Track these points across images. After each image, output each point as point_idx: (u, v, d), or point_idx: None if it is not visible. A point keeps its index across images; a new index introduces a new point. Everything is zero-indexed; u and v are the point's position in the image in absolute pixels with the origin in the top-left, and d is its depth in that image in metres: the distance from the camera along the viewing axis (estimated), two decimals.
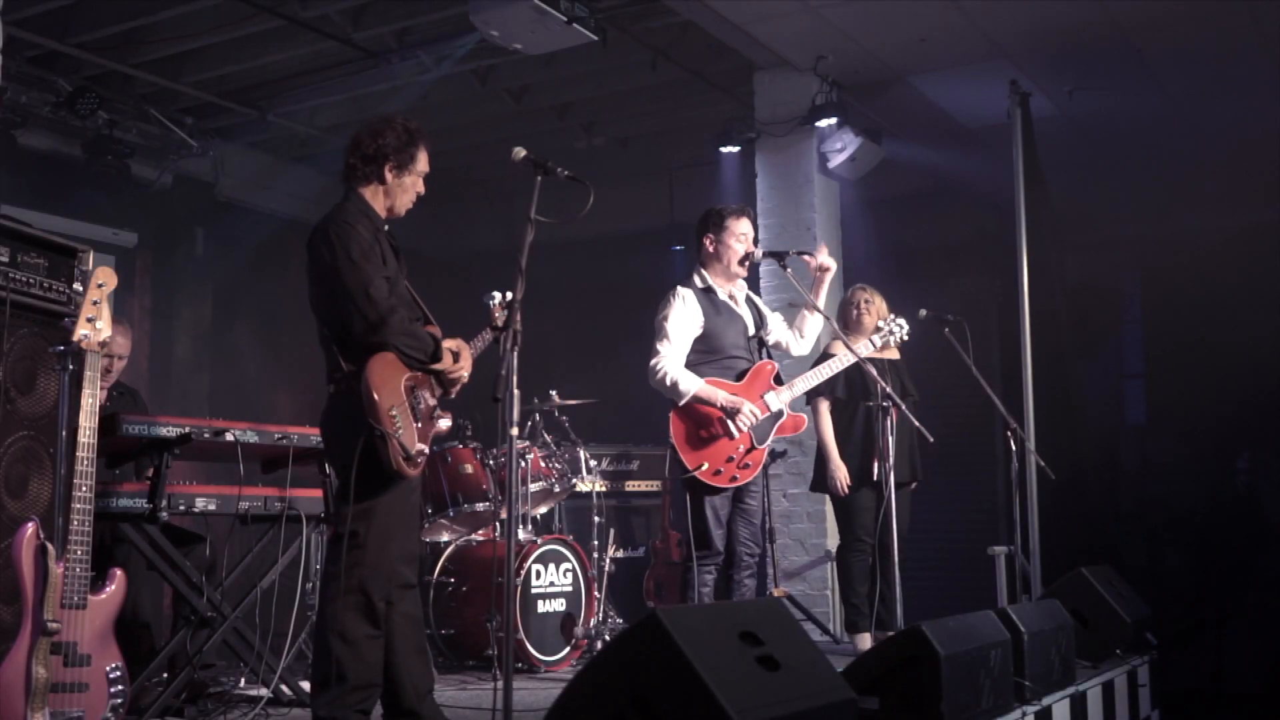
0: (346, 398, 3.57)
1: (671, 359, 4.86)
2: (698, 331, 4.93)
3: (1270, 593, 7.84)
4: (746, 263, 5.05)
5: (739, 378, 4.93)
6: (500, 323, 4.19)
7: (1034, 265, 6.64)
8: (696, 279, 5.06)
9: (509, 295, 4.16)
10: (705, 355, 4.94)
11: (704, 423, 4.83)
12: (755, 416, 4.82)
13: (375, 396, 3.49)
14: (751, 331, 5.06)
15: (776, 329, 5.21)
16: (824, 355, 6.17)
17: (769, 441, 4.91)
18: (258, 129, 8.72)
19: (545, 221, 3.47)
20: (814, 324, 5.20)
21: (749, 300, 5.19)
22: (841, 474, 5.94)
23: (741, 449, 4.82)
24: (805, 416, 5.10)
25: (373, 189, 3.78)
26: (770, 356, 5.10)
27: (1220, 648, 7.71)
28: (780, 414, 4.93)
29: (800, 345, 5.23)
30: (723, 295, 5.03)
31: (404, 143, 3.76)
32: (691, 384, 4.83)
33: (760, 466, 4.91)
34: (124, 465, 4.64)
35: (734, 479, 4.84)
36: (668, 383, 4.84)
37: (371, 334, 3.56)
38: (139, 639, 4.39)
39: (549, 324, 5.63)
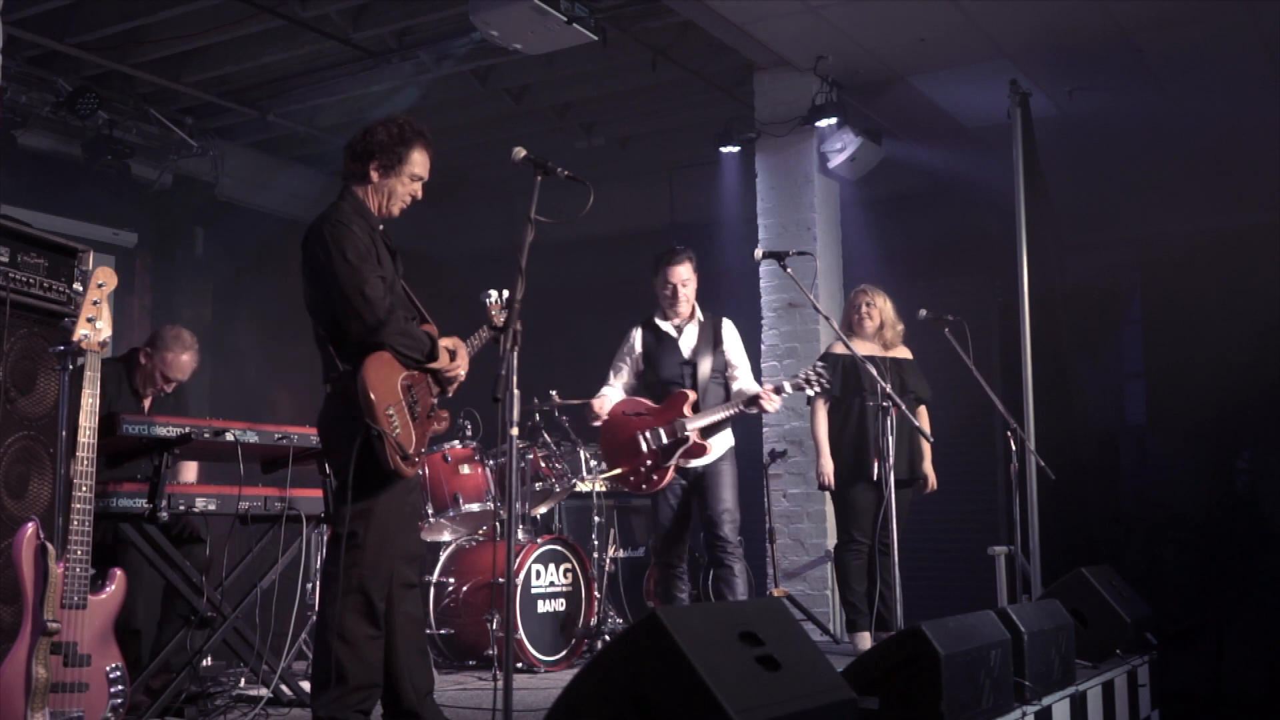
0: (342, 398, 3.56)
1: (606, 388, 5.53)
2: (639, 365, 5.52)
3: (1270, 593, 7.84)
4: (678, 303, 5.42)
5: (659, 400, 5.39)
6: (498, 321, 4.21)
7: (1034, 265, 6.64)
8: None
9: (505, 293, 4.20)
10: (648, 380, 5.48)
11: (619, 436, 5.39)
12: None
13: (371, 396, 3.49)
14: (686, 357, 5.42)
15: (737, 364, 5.52)
16: (825, 355, 6.20)
17: (672, 462, 5.29)
18: (258, 129, 8.72)
19: (545, 221, 3.47)
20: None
21: (705, 331, 5.47)
22: (827, 469, 5.98)
23: (649, 464, 5.32)
24: (709, 445, 5.34)
25: (365, 188, 3.76)
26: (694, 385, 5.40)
27: (1220, 648, 7.70)
28: (685, 440, 5.27)
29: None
30: (666, 327, 5.48)
31: (393, 141, 3.72)
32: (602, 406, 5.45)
33: (666, 481, 5.31)
34: (126, 464, 4.64)
35: (641, 488, 5.36)
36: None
37: (367, 334, 3.55)
38: (126, 646, 4.37)
39: (549, 324, 5.64)
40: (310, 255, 3.64)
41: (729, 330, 5.53)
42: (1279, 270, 7.79)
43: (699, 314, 5.51)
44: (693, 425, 5.26)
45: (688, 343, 5.44)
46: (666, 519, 5.39)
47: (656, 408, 5.36)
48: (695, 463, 5.32)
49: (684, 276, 5.41)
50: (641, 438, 5.33)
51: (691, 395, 5.32)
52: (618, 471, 5.42)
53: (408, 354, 3.64)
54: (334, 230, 3.61)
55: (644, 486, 5.35)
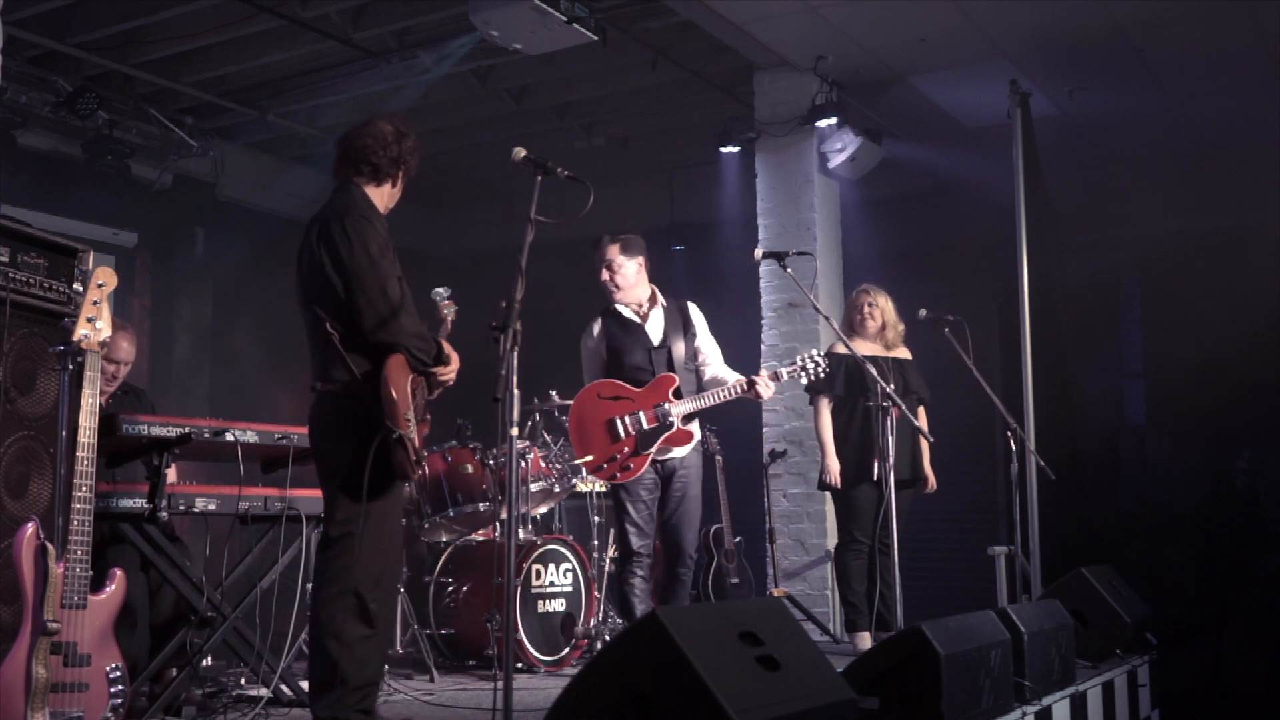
0: (353, 399, 3.57)
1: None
2: (603, 354, 5.26)
3: (1270, 593, 7.85)
4: (614, 293, 5.23)
5: (639, 386, 5.12)
6: (448, 320, 4.25)
7: (1034, 265, 6.64)
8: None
9: (449, 291, 4.27)
10: (611, 369, 5.22)
11: (593, 419, 5.08)
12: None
13: (394, 396, 3.50)
14: (655, 343, 5.21)
15: (707, 351, 5.33)
16: (827, 354, 6.20)
17: (653, 449, 5.05)
18: (258, 129, 8.72)
19: (545, 221, 3.47)
20: (711, 387, 5.24)
21: (672, 316, 5.30)
22: (833, 468, 5.96)
23: (625, 450, 5.04)
24: (694, 432, 5.16)
25: (381, 189, 3.80)
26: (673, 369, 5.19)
27: (1220, 648, 7.71)
28: (670, 426, 5.04)
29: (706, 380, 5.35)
30: (628, 313, 5.25)
31: (415, 151, 3.85)
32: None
33: (641, 471, 5.06)
34: (125, 465, 4.64)
35: (614, 477, 5.07)
36: None
37: (383, 333, 3.56)
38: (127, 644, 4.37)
39: (549, 324, 5.63)
40: (329, 246, 3.60)
41: (696, 315, 5.34)
42: (1279, 270, 7.79)
43: (660, 299, 5.33)
44: (679, 410, 5.03)
45: (655, 328, 5.23)
46: (642, 514, 5.09)
47: (637, 391, 5.08)
48: (676, 452, 5.11)
49: (608, 258, 5.21)
50: (620, 423, 5.03)
51: (675, 379, 5.09)
52: (589, 459, 5.04)
53: (418, 356, 3.65)
54: (356, 223, 3.61)
55: (617, 475, 5.04)
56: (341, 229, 3.59)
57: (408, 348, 3.59)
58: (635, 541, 5.09)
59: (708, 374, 5.26)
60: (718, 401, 5.12)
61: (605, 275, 5.22)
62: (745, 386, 5.06)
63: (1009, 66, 7.15)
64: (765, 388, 5.05)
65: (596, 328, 5.29)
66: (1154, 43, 7.09)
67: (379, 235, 3.62)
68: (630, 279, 5.22)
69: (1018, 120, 6.68)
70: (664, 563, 5.34)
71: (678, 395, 5.09)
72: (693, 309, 5.36)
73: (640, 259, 5.25)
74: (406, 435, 3.50)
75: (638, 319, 5.24)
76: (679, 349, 5.20)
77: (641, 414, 5.05)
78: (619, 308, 5.26)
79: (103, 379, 4.99)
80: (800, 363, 5.18)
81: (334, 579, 3.55)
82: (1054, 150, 7.27)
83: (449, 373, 3.80)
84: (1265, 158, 7.50)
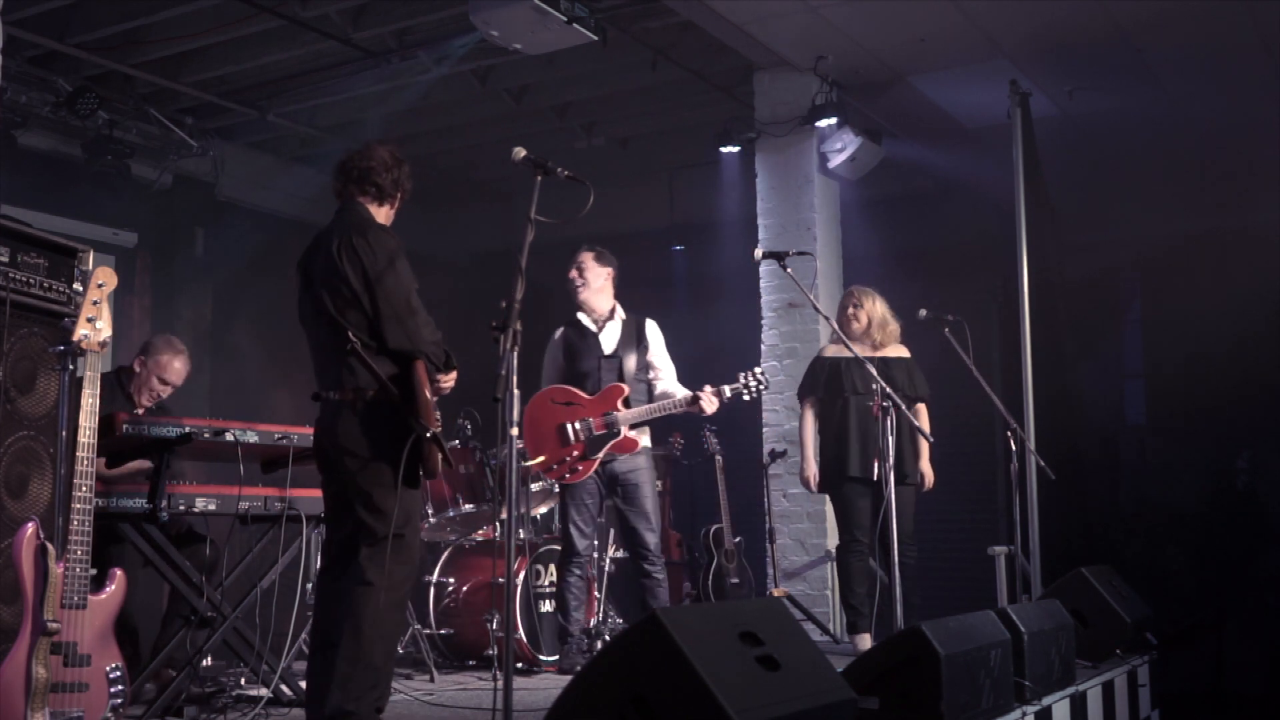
0: (379, 404, 3.62)
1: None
2: (560, 359, 5.56)
3: (1270, 593, 7.84)
4: (578, 291, 5.51)
5: (591, 393, 5.40)
6: None
7: (1034, 265, 6.64)
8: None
9: None
10: (565, 374, 5.51)
11: (545, 423, 5.37)
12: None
13: (428, 396, 3.59)
14: (607, 352, 5.46)
15: (660, 366, 5.57)
16: (818, 356, 6.21)
17: (600, 454, 5.32)
18: (258, 129, 8.72)
19: (545, 221, 3.48)
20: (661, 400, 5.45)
21: (627, 330, 5.54)
22: (810, 471, 6.03)
23: (574, 454, 5.34)
24: (638, 440, 5.37)
25: (381, 209, 3.90)
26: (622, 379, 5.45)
27: (1220, 648, 7.70)
28: (616, 433, 5.31)
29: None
30: (587, 322, 5.54)
31: (410, 177, 3.96)
32: None
33: (589, 474, 5.35)
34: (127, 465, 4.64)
35: (564, 478, 5.38)
36: None
37: (405, 341, 3.64)
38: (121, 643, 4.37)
39: (549, 324, 5.65)
40: (352, 258, 3.66)
41: (652, 331, 5.61)
42: (1279, 270, 7.78)
43: (620, 313, 5.60)
44: (625, 419, 5.30)
45: (609, 339, 5.51)
46: (584, 516, 5.42)
47: (588, 399, 5.37)
48: (621, 457, 5.35)
49: (579, 260, 5.52)
50: (570, 428, 5.33)
51: (625, 389, 5.35)
52: (540, 460, 5.35)
53: (434, 362, 3.73)
54: (379, 237, 3.72)
55: (567, 477, 5.35)
56: (366, 241, 3.69)
57: (426, 354, 3.68)
58: (578, 542, 5.42)
59: (659, 388, 5.52)
60: (664, 414, 5.38)
61: (574, 273, 5.52)
62: (690, 401, 5.30)
63: (1009, 66, 7.15)
64: (709, 403, 5.29)
65: (558, 334, 5.62)
66: (1154, 43, 7.09)
67: (399, 247, 3.72)
68: (595, 283, 5.51)
69: (1018, 120, 6.68)
70: (631, 563, 5.55)
71: (626, 405, 5.35)
72: (650, 326, 5.63)
73: (610, 271, 5.55)
74: (438, 433, 3.60)
75: (595, 329, 5.53)
76: (630, 361, 5.48)
77: (591, 420, 5.32)
78: (580, 317, 5.56)
79: (148, 396, 5.11)
80: (743, 380, 5.37)
81: (395, 583, 3.61)
82: (1054, 150, 7.26)
83: (450, 381, 3.88)
84: (1265, 158, 7.49)
